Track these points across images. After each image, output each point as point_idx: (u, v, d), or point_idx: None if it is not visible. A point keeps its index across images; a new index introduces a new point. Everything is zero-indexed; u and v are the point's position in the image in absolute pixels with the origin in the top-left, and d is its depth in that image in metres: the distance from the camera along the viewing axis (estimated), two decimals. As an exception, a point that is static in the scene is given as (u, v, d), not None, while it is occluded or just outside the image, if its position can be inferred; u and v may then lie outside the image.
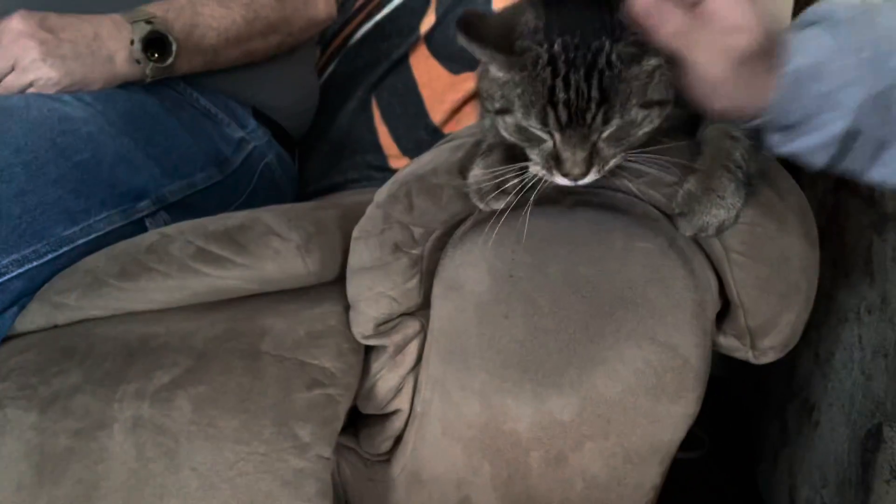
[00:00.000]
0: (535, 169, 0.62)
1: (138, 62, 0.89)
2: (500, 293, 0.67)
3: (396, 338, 0.73)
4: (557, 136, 0.59)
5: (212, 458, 0.68)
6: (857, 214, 0.87)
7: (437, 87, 1.13)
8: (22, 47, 0.83)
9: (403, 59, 1.15)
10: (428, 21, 1.13)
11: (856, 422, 0.83)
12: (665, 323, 0.65)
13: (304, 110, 1.18)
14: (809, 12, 0.56)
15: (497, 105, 0.62)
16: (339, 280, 0.75)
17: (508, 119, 0.62)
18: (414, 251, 0.70)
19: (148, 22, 0.89)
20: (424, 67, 1.14)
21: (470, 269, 0.68)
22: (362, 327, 0.72)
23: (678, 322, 0.65)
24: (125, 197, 0.84)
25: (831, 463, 0.89)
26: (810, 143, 0.56)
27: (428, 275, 0.71)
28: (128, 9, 0.91)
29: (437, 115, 1.12)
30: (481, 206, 0.66)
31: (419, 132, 1.13)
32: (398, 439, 0.76)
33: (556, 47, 0.58)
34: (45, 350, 0.73)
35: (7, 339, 0.75)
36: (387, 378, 0.74)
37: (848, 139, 0.54)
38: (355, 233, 0.72)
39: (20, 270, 0.73)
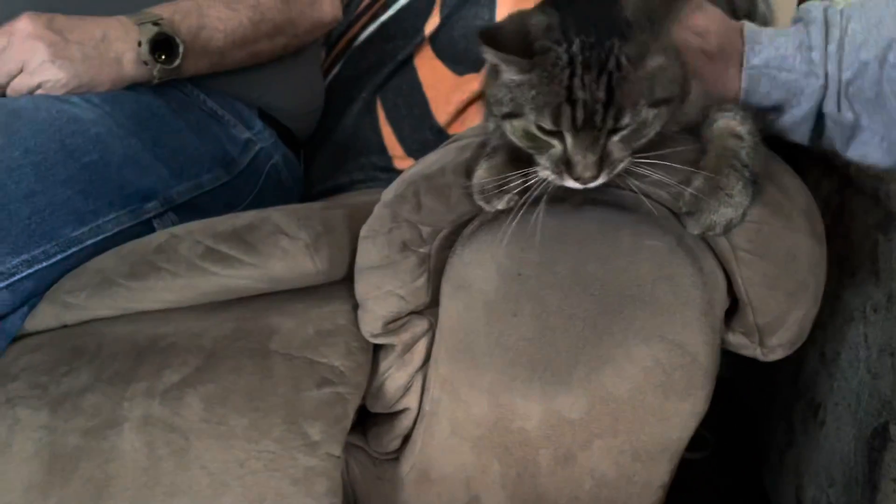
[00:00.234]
0: (545, 173, 0.62)
1: (146, 64, 0.90)
2: (509, 292, 0.68)
3: (405, 336, 0.73)
4: (569, 138, 0.59)
5: (222, 456, 0.68)
6: (863, 214, 0.87)
7: (442, 88, 1.13)
8: (30, 49, 0.84)
9: (408, 61, 1.15)
10: (432, 22, 1.13)
11: (862, 421, 0.83)
12: (673, 321, 0.65)
13: (310, 111, 1.19)
14: (800, 10, 0.66)
15: (505, 109, 0.62)
16: (348, 279, 0.75)
17: (517, 123, 0.62)
18: (422, 250, 0.70)
19: (155, 24, 0.90)
20: (429, 69, 1.14)
21: (478, 267, 0.68)
22: (371, 326, 0.73)
23: (687, 320, 0.65)
24: (133, 198, 0.84)
25: (838, 462, 0.89)
26: (787, 123, 0.67)
27: (436, 273, 0.71)
28: (135, 10, 0.91)
29: (441, 116, 1.13)
30: (484, 206, 0.66)
31: (424, 133, 1.13)
32: (407, 438, 0.77)
33: (575, 47, 0.58)
34: (55, 350, 0.73)
35: (17, 338, 0.76)
36: (395, 377, 0.74)
37: (817, 120, 0.65)
38: (363, 232, 0.72)
39: (29, 271, 0.74)
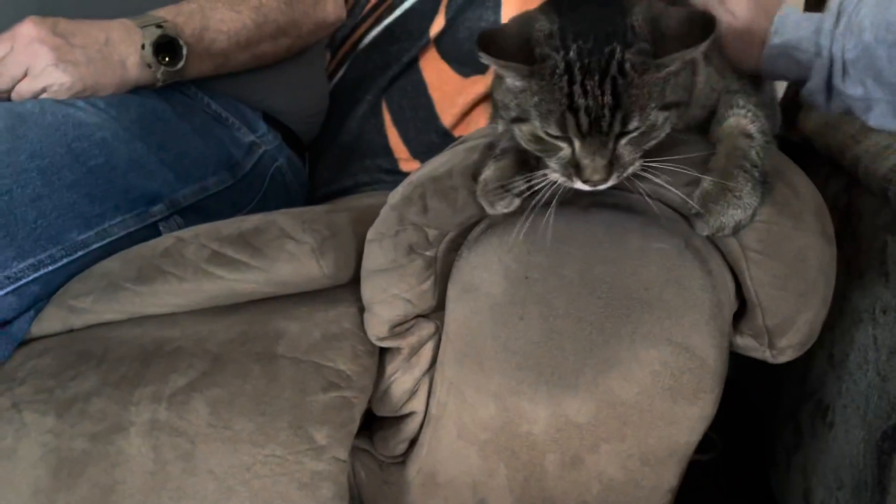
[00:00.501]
0: (554, 176, 0.62)
1: (149, 66, 0.90)
2: (516, 295, 0.67)
3: (411, 340, 0.73)
4: (577, 143, 0.59)
5: (228, 460, 0.68)
6: (871, 215, 0.87)
7: (448, 90, 1.13)
8: (34, 53, 0.84)
9: (413, 63, 1.15)
10: (437, 24, 1.13)
11: (871, 423, 0.83)
12: (682, 324, 0.65)
13: (315, 114, 1.19)
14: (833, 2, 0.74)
15: (513, 114, 0.62)
16: (354, 282, 0.75)
17: (525, 128, 0.62)
18: (428, 253, 0.70)
19: (158, 26, 0.90)
20: (434, 70, 1.14)
21: (485, 271, 0.68)
22: (377, 329, 0.72)
23: (695, 323, 0.65)
24: (139, 201, 0.84)
25: (846, 465, 0.88)
26: (804, 92, 0.75)
27: (442, 277, 0.71)
28: (138, 13, 0.91)
29: (447, 117, 1.13)
30: (489, 209, 0.66)
31: (430, 135, 1.13)
32: (413, 442, 0.76)
33: (572, 54, 0.58)
34: (62, 354, 0.73)
35: (24, 343, 0.76)
36: (401, 380, 0.74)
37: (829, 91, 0.73)
38: (370, 235, 0.72)
39: (36, 275, 0.74)
